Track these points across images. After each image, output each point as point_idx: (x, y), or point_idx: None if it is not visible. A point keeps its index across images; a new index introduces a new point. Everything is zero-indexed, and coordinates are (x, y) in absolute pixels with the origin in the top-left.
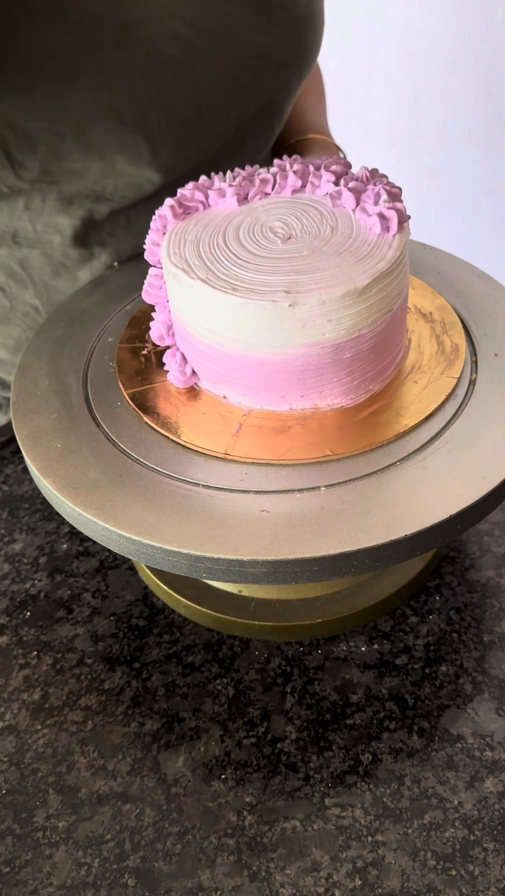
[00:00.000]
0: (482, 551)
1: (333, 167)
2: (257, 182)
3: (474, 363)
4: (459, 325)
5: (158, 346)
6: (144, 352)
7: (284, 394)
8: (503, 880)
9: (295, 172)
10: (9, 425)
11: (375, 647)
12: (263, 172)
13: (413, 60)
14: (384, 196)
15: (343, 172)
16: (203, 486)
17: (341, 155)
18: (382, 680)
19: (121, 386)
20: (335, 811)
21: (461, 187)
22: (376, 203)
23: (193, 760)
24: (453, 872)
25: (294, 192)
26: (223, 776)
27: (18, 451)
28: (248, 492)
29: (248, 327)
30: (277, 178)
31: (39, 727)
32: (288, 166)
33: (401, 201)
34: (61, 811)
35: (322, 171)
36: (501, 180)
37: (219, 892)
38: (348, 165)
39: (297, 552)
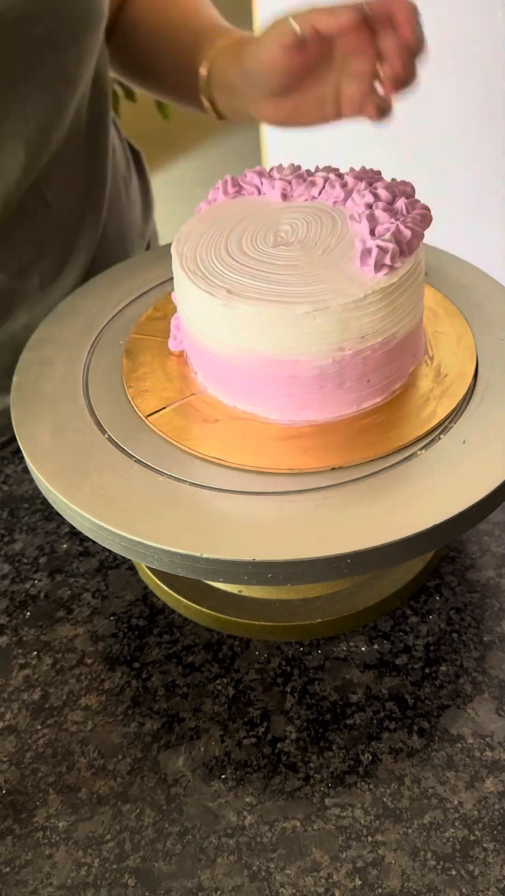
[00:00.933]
0: (482, 551)
1: (380, 191)
2: (305, 183)
3: (475, 364)
4: (469, 331)
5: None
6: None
7: (280, 402)
8: (503, 880)
9: (343, 186)
10: (9, 425)
11: (375, 647)
12: (316, 175)
13: None
14: (388, 234)
15: (385, 197)
16: (203, 487)
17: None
18: (382, 680)
19: (125, 388)
20: (335, 811)
21: (461, 187)
22: (375, 235)
23: (193, 760)
24: (453, 872)
25: (335, 202)
26: (223, 776)
27: (18, 451)
28: (248, 493)
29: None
30: (326, 185)
31: (39, 727)
32: (336, 179)
33: (415, 236)
34: (61, 811)
35: (366, 191)
36: (501, 180)
37: (219, 892)
38: (405, 191)
39: (297, 553)
